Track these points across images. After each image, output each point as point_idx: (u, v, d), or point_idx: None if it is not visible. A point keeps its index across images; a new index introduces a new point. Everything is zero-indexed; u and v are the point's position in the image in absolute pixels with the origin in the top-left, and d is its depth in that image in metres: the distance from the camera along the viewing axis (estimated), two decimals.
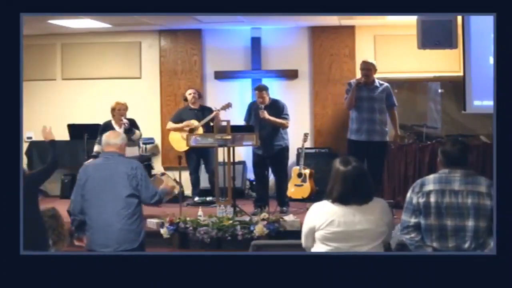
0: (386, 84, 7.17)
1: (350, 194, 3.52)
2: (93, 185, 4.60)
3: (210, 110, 8.09)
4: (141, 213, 4.67)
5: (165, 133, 9.22)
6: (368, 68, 7.06)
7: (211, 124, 7.87)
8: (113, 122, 7.39)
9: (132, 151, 7.51)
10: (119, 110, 7.34)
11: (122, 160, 4.71)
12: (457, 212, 3.59)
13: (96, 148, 7.32)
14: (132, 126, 7.38)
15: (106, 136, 4.83)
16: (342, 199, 3.53)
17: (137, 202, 4.59)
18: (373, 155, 6.93)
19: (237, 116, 7.93)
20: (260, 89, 7.41)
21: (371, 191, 3.58)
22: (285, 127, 7.40)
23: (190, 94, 8.24)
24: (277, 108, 7.40)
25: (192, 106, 8.21)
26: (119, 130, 7.32)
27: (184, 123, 8.06)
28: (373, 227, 3.51)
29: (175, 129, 8.15)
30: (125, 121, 7.27)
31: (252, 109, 7.49)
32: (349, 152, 6.98)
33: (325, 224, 3.52)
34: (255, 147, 7.34)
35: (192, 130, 7.91)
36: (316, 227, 3.56)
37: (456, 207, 3.59)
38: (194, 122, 8.03)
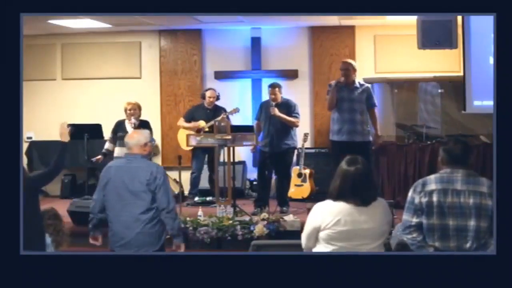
0: (366, 85, 7.26)
1: (348, 192, 3.54)
2: (114, 187, 4.59)
3: (223, 111, 8.07)
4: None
5: (165, 133, 9.23)
6: (347, 68, 7.13)
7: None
8: (126, 121, 7.43)
9: None
10: (129, 110, 7.36)
11: (143, 164, 4.61)
12: (459, 211, 3.59)
13: (106, 145, 7.44)
14: (141, 127, 7.35)
15: (126, 138, 4.80)
16: (340, 197, 3.55)
17: (157, 206, 4.55)
18: (357, 155, 6.91)
19: (238, 116, 7.93)
20: (273, 86, 7.44)
21: (372, 193, 3.59)
22: (294, 125, 7.41)
23: (209, 97, 8.14)
24: (288, 107, 7.42)
25: (207, 106, 8.16)
26: (130, 129, 7.36)
27: (192, 124, 8.02)
28: (376, 226, 3.54)
29: (185, 128, 8.12)
30: (133, 121, 7.28)
31: (263, 107, 7.50)
32: (333, 153, 7.00)
33: (331, 224, 3.53)
34: (262, 144, 7.36)
35: (199, 130, 7.90)
36: (321, 226, 3.56)
37: (458, 207, 3.59)
38: (202, 123, 8.02)
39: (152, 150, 4.87)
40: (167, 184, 4.59)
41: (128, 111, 7.37)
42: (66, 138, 4.61)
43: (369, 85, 7.28)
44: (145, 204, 4.50)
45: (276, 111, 7.24)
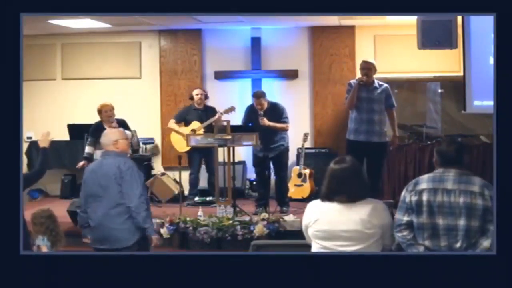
0: (385, 85, 7.15)
1: (334, 191, 3.53)
2: (89, 185, 4.73)
3: (213, 111, 8.07)
4: None
5: (165, 133, 9.23)
6: (369, 68, 7.04)
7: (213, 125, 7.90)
8: (105, 124, 7.28)
9: None
10: (105, 111, 7.20)
11: (114, 160, 4.70)
12: (449, 211, 3.58)
13: (87, 149, 7.19)
14: (121, 126, 7.27)
15: (101, 138, 4.91)
16: (327, 196, 3.55)
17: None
18: (372, 155, 6.93)
19: (237, 116, 7.93)
20: (258, 96, 7.41)
21: (360, 191, 3.54)
22: (285, 130, 7.42)
23: (197, 95, 8.16)
24: (277, 111, 7.40)
25: (197, 106, 8.18)
26: None
27: (184, 128, 8.00)
28: (359, 228, 3.46)
29: (177, 132, 8.11)
30: (114, 125, 7.12)
31: (250, 113, 7.50)
32: (348, 152, 6.97)
33: (312, 222, 3.56)
34: (255, 149, 7.36)
35: (194, 131, 7.89)
36: (307, 224, 3.61)
37: (448, 206, 3.58)
38: (196, 124, 8.01)
39: (128, 147, 4.93)
40: (133, 180, 4.63)
41: (105, 113, 7.18)
42: (46, 144, 4.84)
43: (387, 85, 7.16)
44: (115, 199, 4.60)
45: (266, 122, 7.25)
